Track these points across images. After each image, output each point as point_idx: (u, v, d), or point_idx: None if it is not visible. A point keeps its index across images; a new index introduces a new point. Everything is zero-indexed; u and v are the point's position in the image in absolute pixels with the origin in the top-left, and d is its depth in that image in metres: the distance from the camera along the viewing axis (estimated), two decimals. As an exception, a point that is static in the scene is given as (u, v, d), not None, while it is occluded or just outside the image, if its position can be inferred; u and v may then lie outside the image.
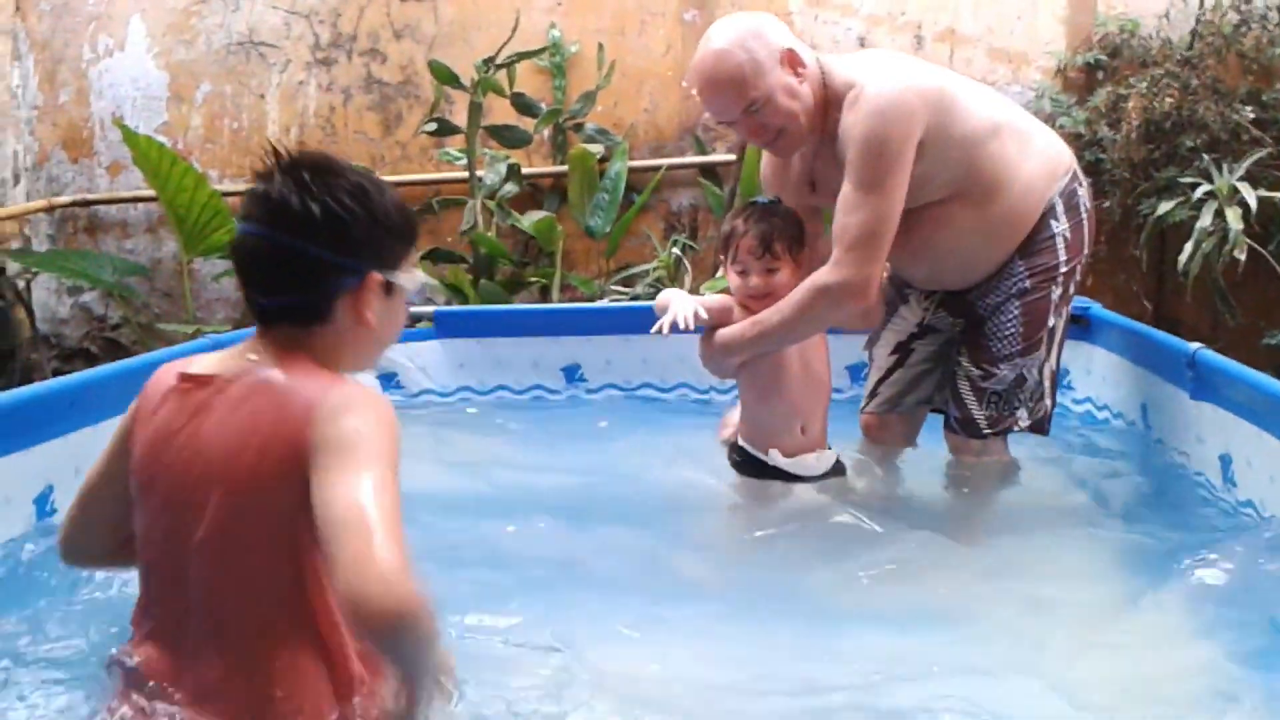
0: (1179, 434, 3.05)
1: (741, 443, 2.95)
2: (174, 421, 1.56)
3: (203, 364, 1.61)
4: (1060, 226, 2.87)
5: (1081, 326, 3.81)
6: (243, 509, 1.49)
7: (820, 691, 1.92)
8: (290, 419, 1.47)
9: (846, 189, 2.63)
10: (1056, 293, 2.89)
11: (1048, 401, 2.99)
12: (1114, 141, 4.71)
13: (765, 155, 3.03)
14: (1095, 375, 3.74)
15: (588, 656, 1.95)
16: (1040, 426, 3.00)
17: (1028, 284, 2.85)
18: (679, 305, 2.77)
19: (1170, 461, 3.08)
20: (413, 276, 1.66)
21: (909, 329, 3.09)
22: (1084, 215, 2.93)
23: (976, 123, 2.75)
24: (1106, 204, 4.77)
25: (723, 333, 2.81)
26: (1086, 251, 2.97)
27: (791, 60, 2.66)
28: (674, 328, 2.74)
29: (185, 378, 1.58)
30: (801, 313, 2.70)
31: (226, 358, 1.60)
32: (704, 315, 2.79)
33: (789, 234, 2.81)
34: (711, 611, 2.28)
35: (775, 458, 2.87)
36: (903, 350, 3.10)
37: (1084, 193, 2.95)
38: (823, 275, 2.66)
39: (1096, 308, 3.79)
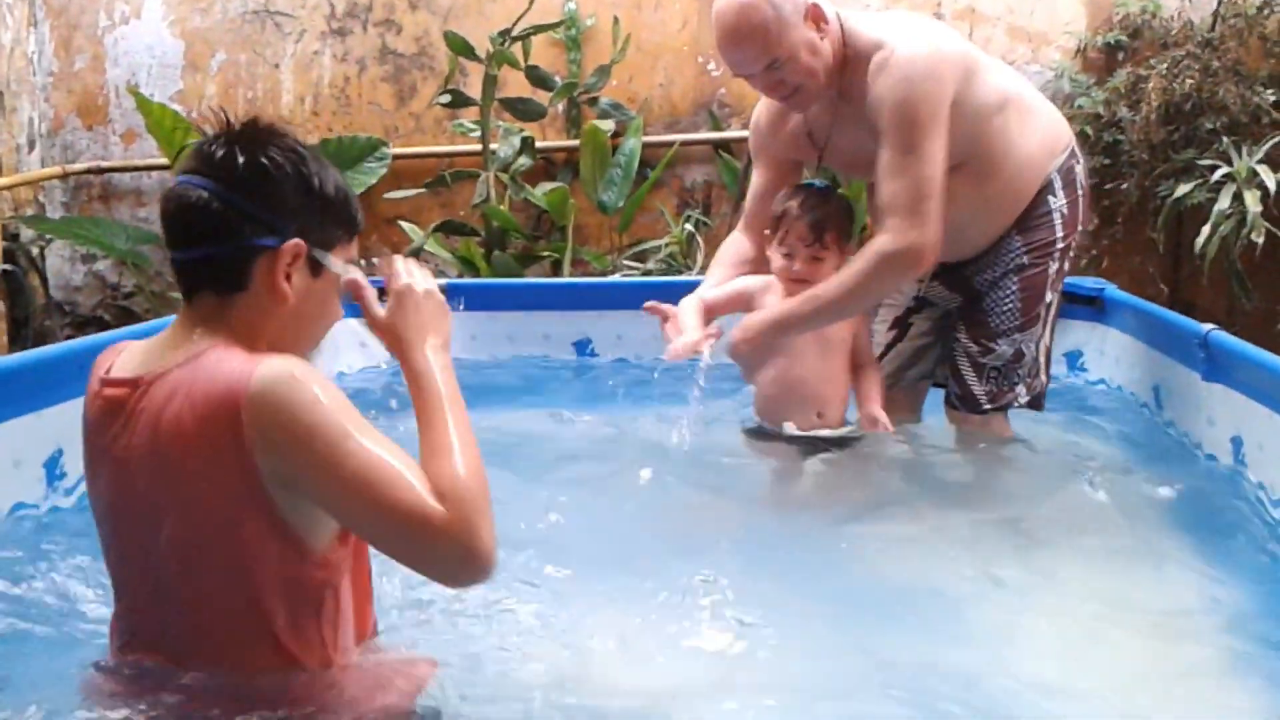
0: (1190, 416, 3.03)
1: (756, 417, 2.96)
2: (103, 437, 1.50)
3: (125, 363, 1.53)
4: (1058, 202, 2.86)
5: (1095, 307, 3.80)
6: (191, 518, 1.44)
7: (829, 671, 1.91)
8: (215, 419, 1.39)
9: (888, 155, 2.59)
10: (1053, 268, 2.88)
11: (1043, 377, 2.98)
12: (1133, 123, 4.68)
13: (762, 104, 2.98)
14: (1108, 356, 3.72)
15: (589, 640, 1.94)
16: (1037, 402, 2.99)
17: (1025, 260, 2.84)
18: (684, 334, 2.73)
19: (1181, 443, 3.06)
20: (345, 265, 1.57)
21: (905, 303, 3.08)
22: (1080, 192, 2.93)
23: (989, 94, 2.73)
24: (1124, 185, 4.74)
25: (771, 315, 2.71)
26: (1081, 228, 2.96)
27: (815, 15, 2.61)
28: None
29: (107, 383, 1.50)
30: (864, 282, 2.63)
31: (150, 350, 1.52)
32: (710, 339, 2.74)
33: (841, 224, 2.80)
34: (715, 585, 2.26)
35: (789, 429, 2.89)
36: (900, 325, 3.09)
37: (1080, 169, 2.94)
38: (883, 243, 2.60)
39: (1111, 288, 3.77)
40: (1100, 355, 3.77)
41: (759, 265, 2.97)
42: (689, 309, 2.79)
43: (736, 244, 3.03)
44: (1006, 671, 1.88)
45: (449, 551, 1.33)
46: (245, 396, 1.36)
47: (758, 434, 2.96)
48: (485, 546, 1.35)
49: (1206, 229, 4.26)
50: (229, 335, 1.47)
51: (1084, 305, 3.82)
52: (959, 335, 2.94)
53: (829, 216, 2.77)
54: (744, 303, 2.86)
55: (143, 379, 1.46)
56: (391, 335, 1.56)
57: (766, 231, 2.86)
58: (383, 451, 1.36)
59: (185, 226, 1.50)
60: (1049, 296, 2.90)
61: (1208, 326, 2.92)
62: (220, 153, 1.47)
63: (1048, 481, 2.90)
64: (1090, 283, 3.88)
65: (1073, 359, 3.86)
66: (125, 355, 1.54)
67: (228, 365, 1.41)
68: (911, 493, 2.74)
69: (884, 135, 2.59)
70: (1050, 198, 2.84)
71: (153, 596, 1.51)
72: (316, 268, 1.54)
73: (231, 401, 1.37)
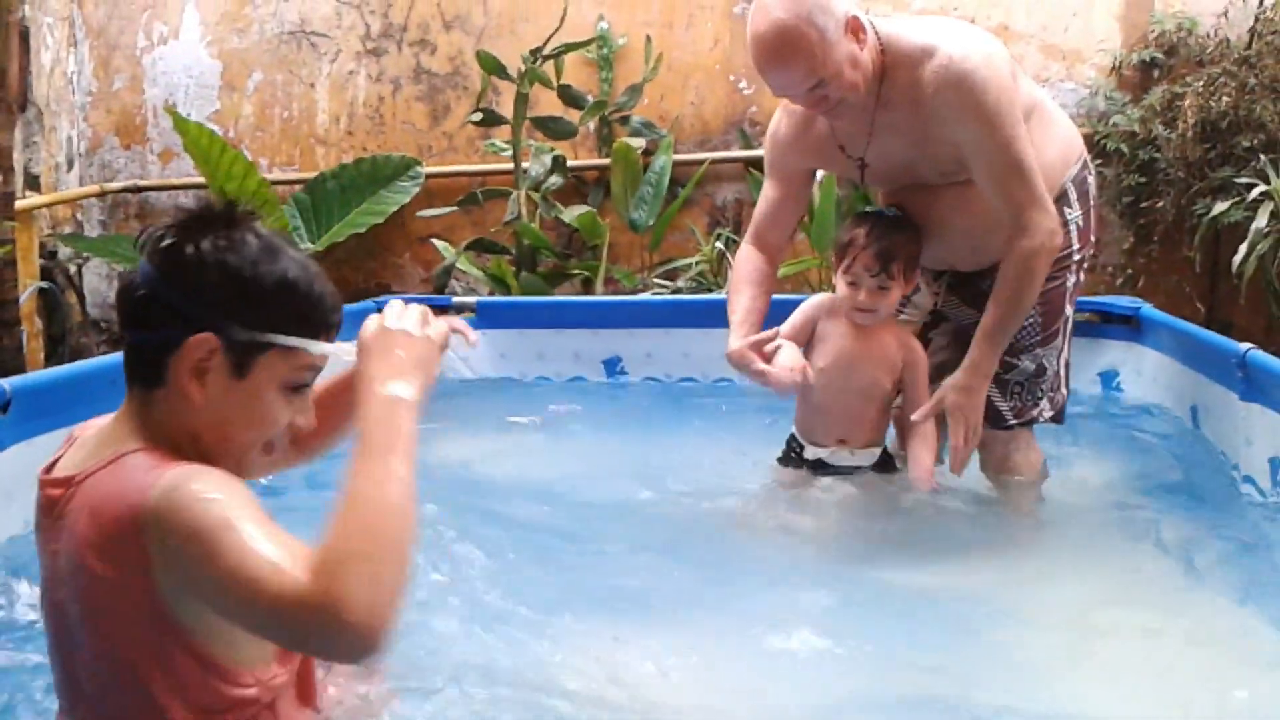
0: (1228, 436, 2.99)
1: (793, 429, 2.96)
2: (41, 532, 1.40)
3: (71, 455, 1.42)
4: (1073, 214, 2.83)
5: (1131, 327, 3.76)
6: (102, 639, 1.32)
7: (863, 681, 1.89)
8: (117, 537, 1.27)
9: (990, 159, 2.57)
10: (1070, 281, 2.85)
11: (1064, 390, 2.95)
12: (1169, 141, 4.64)
13: (782, 115, 2.93)
14: (1145, 376, 3.68)
15: (620, 667, 1.93)
16: (1059, 416, 2.95)
17: None
18: (786, 361, 2.71)
19: (1219, 464, 3.02)
20: (278, 371, 1.38)
21: (923, 318, 3.03)
22: (1092, 203, 2.90)
23: (1023, 100, 2.71)
24: (1160, 204, 4.70)
25: (971, 367, 2.69)
26: (1094, 239, 2.93)
27: (854, 28, 2.58)
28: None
29: (45, 481, 1.40)
30: (1028, 287, 2.64)
31: (90, 445, 1.40)
32: (801, 365, 2.73)
33: (909, 253, 2.73)
34: (738, 608, 2.25)
35: (811, 452, 2.87)
36: (921, 340, 3.05)
37: (1092, 181, 2.92)
38: (1028, 244, 2.59)
39: (1147, 308, 3.73)
40: (1137, 375, 3.73)
41: (772, 281, 2.97)
42: (792, 352, 2.77)
43: (754, 261, 2.97)
44: (1050, 701, 1.85)
45: (314, 627, 1.15)
46: (144, 513, 1.24)
47: (787, 454, 2.94)
48: (356, 617, 1.14)
49: (1244, 247, 4.21)
50: (150, 436, 1.36)
51: (1120, 324, 3.79)
52: None
53: (897, 245, 2.70)
54: (806, 331, 2.84)
55: (74, 479, 1.35)
56: (357, 377, 1.36)
57: (834, 259, 2.82)
58: (261, 539, 1.20)
59: (118, 310, 1.40)
60: (1067, 310, 2.87)
61: (1245, 346, 2.88)
62: (159, 233, 1.37)
63: (1083, 504, 2.87)
64: (1126, 302, 3.85)
65: (1109, 379, 3.82)
66: (79, 442, 1.44)
67: (131, 478, 1.29)
68: (944, 518, 2.71)
69: (978, 144, 2.57)
70: (1065, 209, 2.81)
71: (73, 707, 1.41)
72: (242, 368, 1.36)
73: (130, 519, 1.24)
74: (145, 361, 1.36)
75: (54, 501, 1.36)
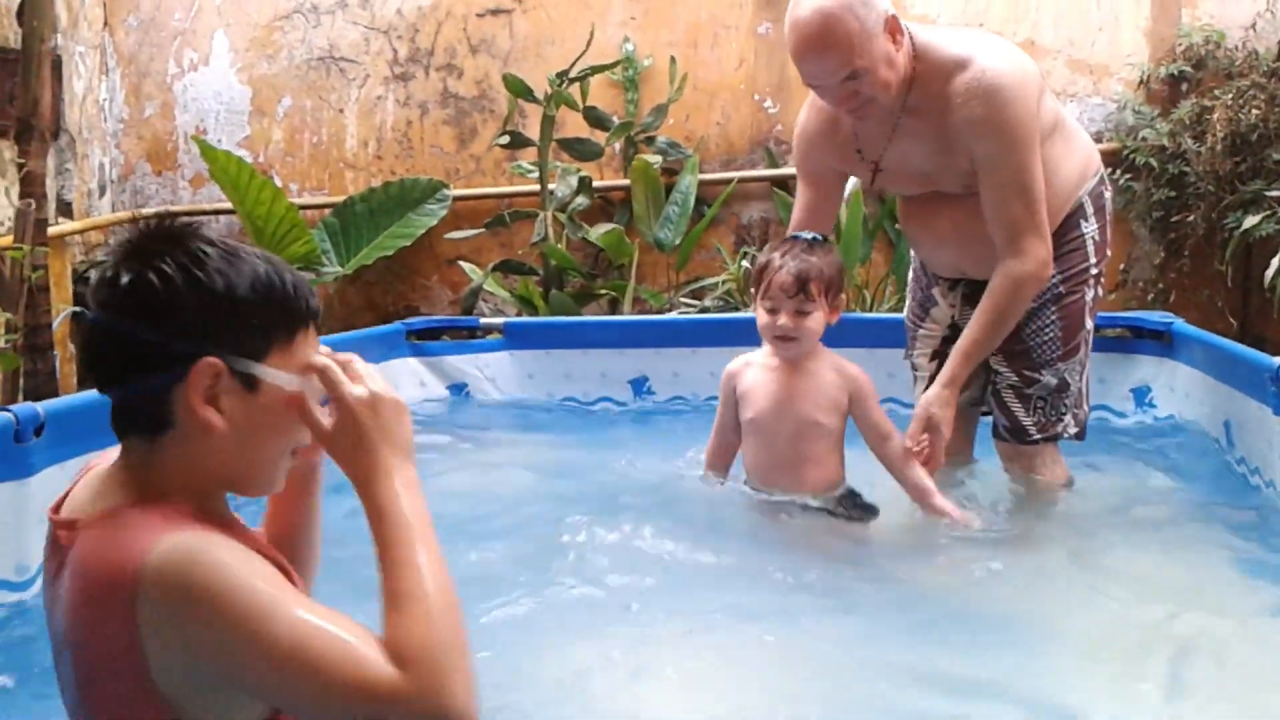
0: (1262, 451, 2.95)
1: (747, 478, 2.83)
2: (46, 569, 1.30)
3: (77, 494, 1.30)
4: (1090, 228, 2.82)
5: (1164, 342, 3.73)
6: (90, 702, 1.23)
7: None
8: (104, 603, 1.16)
9: (1001, 177, 2.59)
10: (1089, 295, 2.85)
11: (1086, 407, 2.93)
12: (1198, 154, 4.61)
13: (810, 113, 2.93)
14: (1178, 391, 3.65)
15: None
16: (1082, 433, 2.94)
17: (1062, 289, 2.80)
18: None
19: (1253, 479, 2.98)
20: (284, 374, 1.28)
21: (941, 333, 3.03)
22: (1108, 218, 2.90)
23: (1048, 115, 2.71)
24: (1191, 218, 4.66)
25: (943, 381, 2.68)
26: (1109, 254, 2.94)
27: (893, 28, 2.58)
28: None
29: (54, 522, 1.28)
30: (1012, 310, 2.66)
31: (93, 487, 1.29)
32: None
33: (828, 276, 2.61)
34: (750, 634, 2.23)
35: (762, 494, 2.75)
36: (941, 356, 3.04)
37: (1109, 195, 2.92)
38: (1017, 266, 2.61)
39: (1179, 323, 3.70)
40: (1169, 391, 3.69)
41: None
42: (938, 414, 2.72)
43: None
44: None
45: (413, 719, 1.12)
46: (138, 582, 1.13)
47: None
48: (460, 708, 1.13)
49: (1276, 261, 4.16)
50: (155, 487, 1.25)
51: (1152, 340, 3.76)
52: (999, 368, 2.88)
53: (813, 268, 2.59)
54: (734, 394, 2.74)
55: (77, 523, 1.24)
56: (339, 451, 1.29)
57: (752, 289, 2.74)
58: (319, 620, 1.14)
59: (90, 367, 1.28)
60: (1088, 324, 2.87)
61: (1279, 360, 2.85)
62: (108, 275, 1.24)
63: (1114, 520, 2.83)
64: (1158, 317, 3.82)
65: (1141, 394, 3.78)
66: (85, 480, 1.32)
67: (124, 539, 1.18)
68: (976, 536, 2.68)
69: (993, 157, 2.59)
70: (1082, 222, 2.81)
71: None
72: (251, 381, 1.26)
73: (121, 585, 1.14)
74: (143, 410, 1.25)
75: (57, 543, 1.26)
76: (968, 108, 2.56)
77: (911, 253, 3.18)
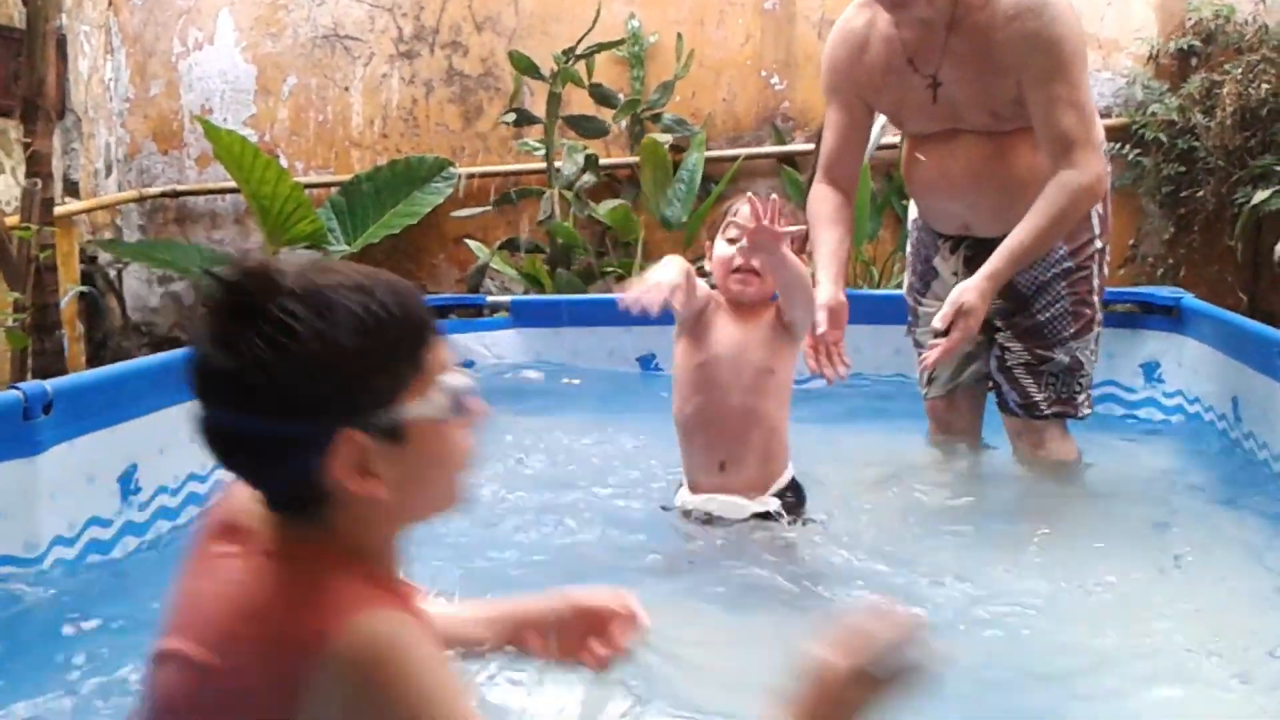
0: (1271, 427, 2.94)
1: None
2: (190, 564, 1.20)
3: (240, 515, 1.18)
4: (1096, 205, 2.81)
5: (1172, 317, 3.71)
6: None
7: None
8: (279, 660, 1.07)
9: (1054, 90, 2.59)
10: (1096, 271, 2.85)
11: (1091, 387, 2.94)
12: (1208, 129, 4.58)
13: (836, 38, 2.90)
14: (1186, 367, 3.63)
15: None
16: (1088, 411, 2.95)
17: (1070, 264, 2.80)
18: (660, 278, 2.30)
19: (1261, 455, 2.98)
20: (430, 400, 1.14)
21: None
22: (1109, 195, 2.89)
23: None
24: (1200, 193, 4.65)
25: (984, 275, 2.58)
26: (1111, 232, 2.95)
27: None
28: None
29: (222, 528, 1.19)
30: (1061, 216, 2.62)
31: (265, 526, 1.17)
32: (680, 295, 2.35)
33: (791, 213, 2.42)
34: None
35: (682, 496, 2.55)
36: (946, 332, 3.01)
37: (1109, 173, 2.90)
38: (1074, 176, 2.59)
39: (1188, 298, 3.68)
40: (1178, 366, 3.68)
41: (852, 218, 2.93)
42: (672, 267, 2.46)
43: (831, 199, 2.90)
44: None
45: None
46: (325, 650, 1.05)
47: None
48: None
49: (1286, 236, 4.16)
50: (328, 555, 1.13)
51: (1161, 315, 3.74)
52: (1010, 345, 2.87)
53: (779, 204, 2.36)
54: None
55: (256, 535, 1.16)
56: None
57: (707, 241, 2.62)
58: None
59: (224, 462, 1.14)
60: (1097, 302, 2.86)
61: (1289, 334, 2.85)
62: (199, 366, 1.10)
63: (1124, 494, 2.83)
64: (1167, 292, 3.80)
65: (1150, 370, 3.77)
66: (251, 513, 1.18)
67: (316, 601, 1.09)
68: (997, 513, 2.68)
69: (1046, 72, 2.59)
70: None
71: None
72: (397, 430, 1.12)
73: (305, 646, 1.06)
74: (293, 497, 1.13)
75: (213, 557, 1.16)
76: (1019, 21, 2.59)
77: (910, 223, 3.14)
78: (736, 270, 2.46)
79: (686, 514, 2.51)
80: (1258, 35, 4.69)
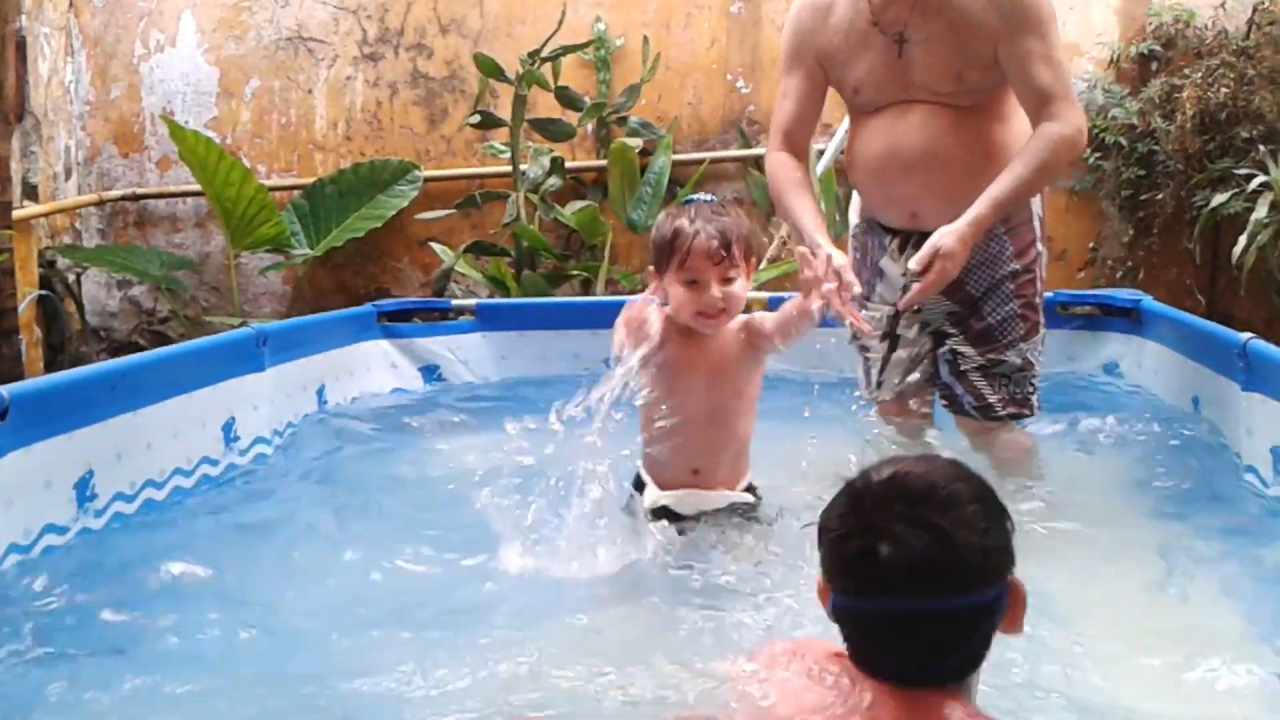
0: (1229, 426, 2.98)
1: (640, 471, 2.57)
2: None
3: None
4: (1036, 205, 2.85)
5: (1132, 319, 3.75)
6: None
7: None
8: None
9: (1031, 46, 2.65)
10: (1039, 273, 2.88)
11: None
12: (1168, 133, 4.63)
13: (803, 3, 2.90)
14: (1145, 368, 3.67)
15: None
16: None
17: (1018, 265, 2.81)
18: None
19: (1220, 454, 3.01)
20: None
21: (888, 312, 2.98)
22: (1043, 200, 2.93)
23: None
24: (1160, 196, 4.70)
25: (968, 221, 2.59)
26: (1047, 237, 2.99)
27: None
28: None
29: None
30: (1043, 168, 2.66)
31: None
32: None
33: (745, 235, 2.38)
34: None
35: (651, 495, 2.49)
36: (890, 336, 3.01)
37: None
38: (1057, 129, 2.64)
39: (1147, 300, 3.72)
40: (1137, 367, 3.72)
41: (811, 186, 2.93)
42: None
43: (793, 166, 2.90)
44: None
45: None
46: None
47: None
48: None
49: (1243, 239, 4.20)
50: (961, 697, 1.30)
51: (1121, 317, 3.78)
52: (963, 349, 2.86)
53: (731, 227, 2.35)
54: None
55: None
56: None
57: (650, 268, 2.48)
58: None
59: (896, 639, 1.28)
60: (1039, 304, 2.89)
61: (1246, 336, 2.88)
62: (890, 569, 1.24)
63: (1082, 495, 2.85)
64: (1127, 294, 3.84)
65: (1110, 370, 3.81)
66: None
67: None
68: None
69: (1027, 30, 2.65)
70: (1033, 202, 2.83)
71: None
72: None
73: None
74: (969, 658, 1.30)
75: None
76: None
77: (852, 230, 3.12)
78: (703, 314, 2.36)
79: (656, 514, 2.49)
80: (1217, 40, 4.75)
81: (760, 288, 4.33)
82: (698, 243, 2.32)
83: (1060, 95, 2.65)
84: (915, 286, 2.62)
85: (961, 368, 2.88)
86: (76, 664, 1.95)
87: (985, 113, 2.75)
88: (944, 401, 2.96)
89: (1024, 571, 1.32)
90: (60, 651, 1.99)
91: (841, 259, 2.55)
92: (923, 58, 2.74)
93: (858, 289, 2.52)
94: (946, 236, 2.59)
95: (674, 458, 2.48)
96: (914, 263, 2.59)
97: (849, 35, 2.81)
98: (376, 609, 2.26)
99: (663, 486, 2.50)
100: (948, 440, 3.04)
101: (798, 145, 2.94)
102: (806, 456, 2.66)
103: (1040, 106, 2.65)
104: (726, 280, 2.35)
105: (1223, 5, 4.81)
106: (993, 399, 2.86)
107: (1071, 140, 2.66)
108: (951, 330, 2.88)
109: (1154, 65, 4.94)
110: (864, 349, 3.04)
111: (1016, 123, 2.77)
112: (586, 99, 5.22)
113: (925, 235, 2.77)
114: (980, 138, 2.75)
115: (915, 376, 3.03)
